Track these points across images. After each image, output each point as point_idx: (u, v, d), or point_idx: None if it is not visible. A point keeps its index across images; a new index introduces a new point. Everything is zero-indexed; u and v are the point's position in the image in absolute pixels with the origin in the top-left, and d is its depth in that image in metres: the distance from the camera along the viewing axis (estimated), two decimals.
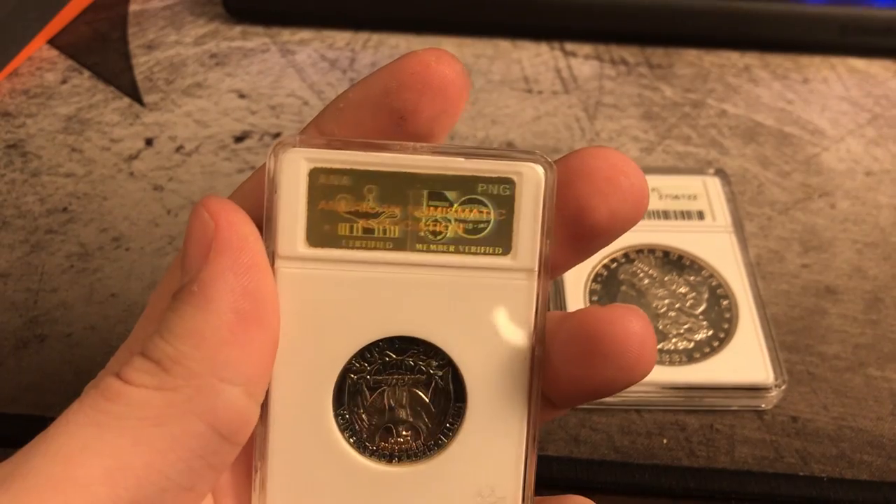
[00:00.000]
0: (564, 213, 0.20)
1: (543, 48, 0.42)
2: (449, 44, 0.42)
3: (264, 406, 0.20)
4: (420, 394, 0.21)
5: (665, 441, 0.29)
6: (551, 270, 0.21)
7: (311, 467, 0.20)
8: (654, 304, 0.31)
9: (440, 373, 0.21)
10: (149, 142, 0.37)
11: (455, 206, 0.20)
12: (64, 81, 0.40)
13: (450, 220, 0.20)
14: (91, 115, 0.38)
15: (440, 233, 0.20)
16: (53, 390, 0.29)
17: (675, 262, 0.32)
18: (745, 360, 0.30)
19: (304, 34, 0.42)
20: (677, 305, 0.31)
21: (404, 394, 0.21)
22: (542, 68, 0.41)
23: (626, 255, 0.32)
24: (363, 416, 0.21)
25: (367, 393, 0.21)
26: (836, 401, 0.30)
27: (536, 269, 0.20)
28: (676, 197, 0.34)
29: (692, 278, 0.32)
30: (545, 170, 0.20)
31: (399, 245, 0.20)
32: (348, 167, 0.20)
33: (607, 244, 0.20)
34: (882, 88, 0.41)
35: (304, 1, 0.42)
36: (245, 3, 0.42)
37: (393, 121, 0.20)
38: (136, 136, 0.38)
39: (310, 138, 0.20)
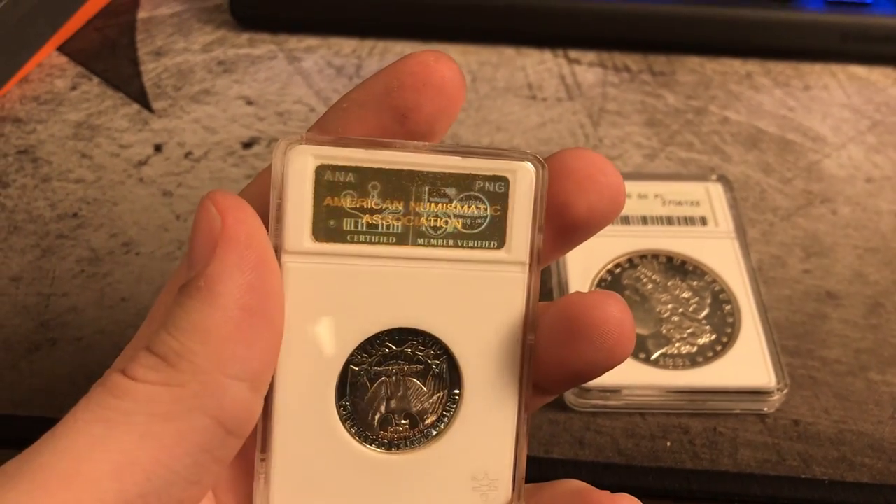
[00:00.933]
0: (548, 209, 0.21)
1: (547, 55, 0.43)
2: (454, 51, 0.42)
3: (268, 398, 0.20)
4: (418, 383, 0.22)
5: (669, 444, 0.29)
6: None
7: (314, 458, 0.21)
8: (657, 309, 0.32)
9: (437, 362, 0.21)
10: (158, 148, 0.38)
11: (454, 202, 0.21)
12: (73, 88, 0.40)
13: (449, 216, 0.21)
14: (100, 121, 0.39)
15: (440, 228, 0.21)
16: (64, 393, 0.30)
17: (678, 267, 0.33)
18: (748, 365, 0.30)
19: (311, 41, 0.43)
20: (680, 310, 0.32)
21: (403, 384, 0.22)
22: (546, 75, 0.42)
23: (629, 261, 0.33)
24: (364, 406, 0.21)
25: (367, 384, 0.21)
26: (838, 404, 0.31)
27: (528, 262, 0.21)
28: (679, 203, 0.35)
29: (695, 283, 0.32)
30: (537, 168, 0.21)
31: (401, 240, 0.21)
32: (353, 164, 0.21)
33: (587, 238, 0.22)
34: (883, 95, 0.41)
35: (310, 9, 0.42)
36: (252, 10, 0.43)
37: (395, 119, 0.21)
38: (145, 143, 0.38)
39: (316, 136, 0.21)
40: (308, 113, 0.39)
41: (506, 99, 0.40)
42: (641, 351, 0.30)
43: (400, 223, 0.21)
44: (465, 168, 0.21)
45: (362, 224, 0.21)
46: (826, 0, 0.42)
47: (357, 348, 0.21)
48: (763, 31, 0.42)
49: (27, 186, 0.36)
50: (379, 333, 0.21)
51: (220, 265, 0.18)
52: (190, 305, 0.18)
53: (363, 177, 0.21)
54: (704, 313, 0.32)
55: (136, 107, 0.40)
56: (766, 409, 0.30)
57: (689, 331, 0.31)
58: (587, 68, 0.42)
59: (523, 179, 0.21)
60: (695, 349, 0.31)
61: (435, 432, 0.22)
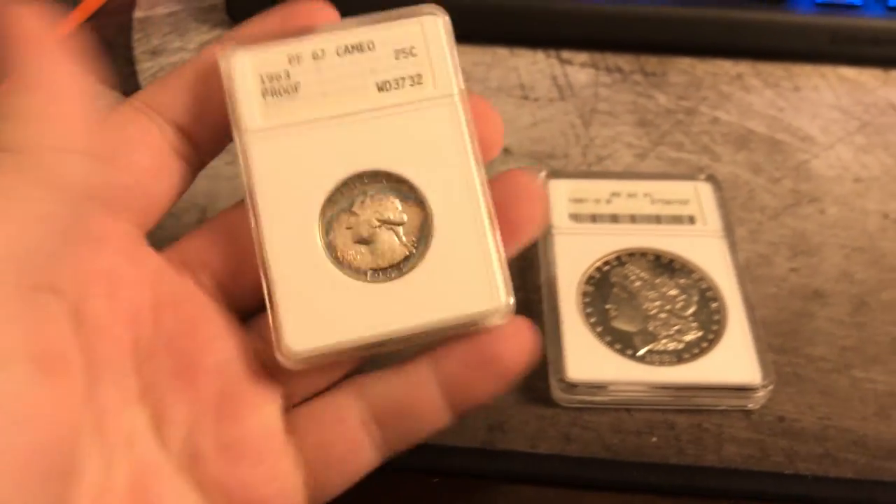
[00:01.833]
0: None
1: (540, 56, 0.43)
2: None
3: (261, 256, 0.24)
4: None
5: (654, 439, 0.30)
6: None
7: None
8: (645, 306, 0.32)
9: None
10: None
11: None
12: None
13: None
14: None
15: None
16: None
17: (666, 265, 0.33)
18: (734, 362, 0.31)
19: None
20: (668, 307, 0.32)
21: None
22: (538, 76, 0.42)
23: (618, 259, 0.33)
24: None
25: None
26: (822, 401, 0.31)
27: (457, 91, 0.25)
28: (668, 202, 0.35)
29: (682, 281, 0.33)
30: (440, 15, 0.25)
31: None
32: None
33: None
34: (871, 97, 0.42)
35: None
36: (248, 10, 0.43)
37: (291, 29, 0.25)
38: None
39: (246, 37, 0.25)
40: None
41: (498, 99, 0.41)
42: (628, 347, 0.31)
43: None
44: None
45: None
46: (816, 2, 0.42)
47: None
48: (754, 33, 0.42)
49: None
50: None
51: (29, 60, 0.21)
52: (9, 98, 0.20)
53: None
54: (691, 311, 0.32)
55: None
56: (751, 405, 0.30)
57: (676, 328, 0.31)
58: (579, 69, 0.43)
59: (431, 24, 0.25)
60: (681, 346, 0.31)
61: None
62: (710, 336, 0.31)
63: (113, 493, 0.22)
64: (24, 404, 0.18)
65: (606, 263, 0.33)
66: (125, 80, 0.41)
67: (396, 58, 0.25)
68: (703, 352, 0.31)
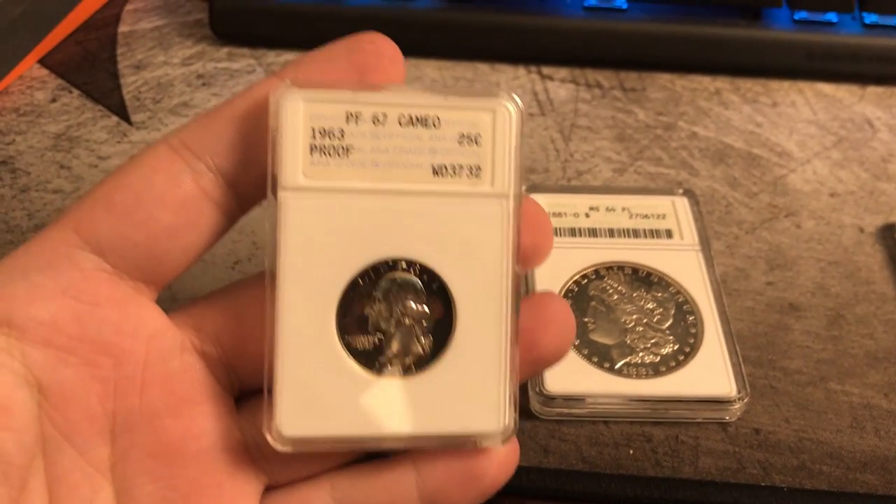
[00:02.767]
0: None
1: (521, 71, 0.44)
2: (429, 66, 0.43)
3: (270, 328, 0.22)
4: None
5: (631, 452, 0.30)
6: None
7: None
8: (622, 319, 0.32)
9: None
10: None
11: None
12: (53, 100, 0.41)
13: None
14: (80, 133, 0.39)
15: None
16: None
17: (643, 278, 0.33)
18: (710, 374, 0.31)
19: (289, 56, 0.44)
20: (645, 321, 0.32)
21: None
22: (519, 91, 0.43)
23: (596, 272, 0.34)
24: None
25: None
26: (798, 414, 0.31)
27: (511, 193, 0.23)
28: (646, 216, 0.36)
29: (660, 294, 0.33)
30: (515, 105, 0.23)
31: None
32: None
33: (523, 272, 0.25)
34: (848, 112, 0.42)
35: (289, 25, 0.43)
36: (232, 26, 0.43)
37: (355, 76, 0.23)
38: (123, 154, 0.39)
39: (306, 80, 0.22)
40: None
41: None
42: (606, 360, 0.31)
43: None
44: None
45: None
46: (793, 19, 0.43)
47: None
48: (732, 49, 0.43)
49: (5, 197, 0.37)
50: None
51: None
52: None
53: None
54: (668, 324, 0.32)
55: (115, 119, 0.40)
56: (727, 417, 0.31)
57: (653, 341, 0.32)
58: (559, 84, 0.43)
59: (503, 116, 0.23)
60: (658, 359, 0.31)
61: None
62: (687, 349, 0.32)
63: None
64: None
65: (585, 277, 0.33)
66: (109, 95, 0.41)
67: (460, 142, 0.23)
68: (679, 365, 0.31)
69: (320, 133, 0.22)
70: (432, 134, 0.23)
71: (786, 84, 0.44)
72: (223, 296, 0.25)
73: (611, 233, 0.35)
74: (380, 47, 0.23)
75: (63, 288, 0.22)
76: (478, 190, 0.23)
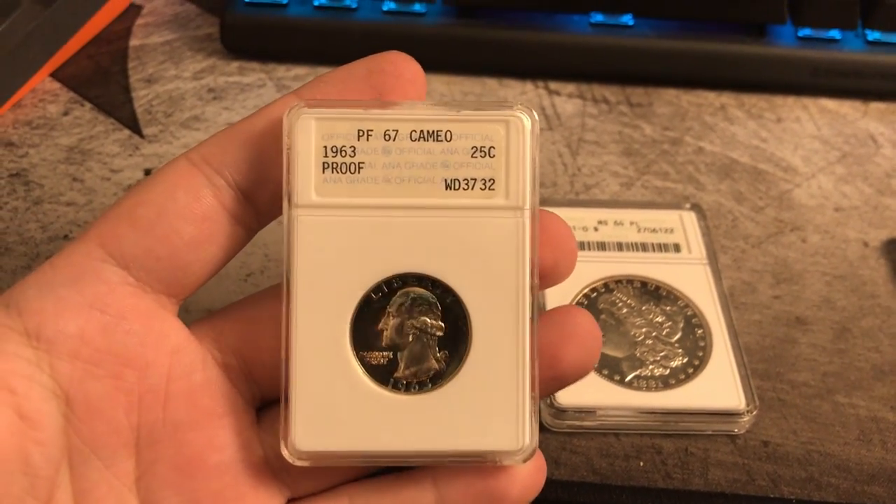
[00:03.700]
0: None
1: (528, 87, 0.44)
2: (438, 81, 0.44)
3: (286, 345, 0.22)
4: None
5: (642, 464, 0.30)
6: None
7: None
8: (632, 333, 0.33)
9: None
10: (148, 172, 0.39)
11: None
12: (66, 113, 0.41)
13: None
14: (92, 146, 0.40)
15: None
16: None
17: (652, 292, 0.34)
18: (719, 387, 0.31)
19: (299, 70, 0.44)
20: (654, 334, 0.33)
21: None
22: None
23: (605, 286, 0.34)
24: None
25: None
26: (806, 426, 0.32)
27: (527, 206, 0.23)
28: (654, 230, 0.36)
29: (668, 308, 0.33)
30: (530, 117, 0.23)
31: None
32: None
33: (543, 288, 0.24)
34: (852, 128, 0.43)
35: (298, 39, 0.43)
36: (242, 40, 0.44)
37: (373, 96, 0.23)
38: (135, 167, 0.39)
39: (318, 101, 0.23)
40: None
41: None
42: (616, 373, 0.31)
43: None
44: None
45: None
46: (797, 35, 0.44)
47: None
48: (737, 65, 0.44)
49: (18, 209, 0.37)
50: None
51: None
52: None
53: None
54: (677, 337, 0.33)
55: (127, 132, 0.41)
56: (736, 430, 0.31)
57: (663, 354, 0.32)
58: (567, 99, 0.44)
59: (516, 127, 0.23)
60: (667, 371, 0.32)
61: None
62: (696, 362, 0.32)
63: None
64: None
65: (594, 290, 0.34)
66: (120, 108, 0.42)
67: (472, 155, 0.23)
68: (688, 377, 0.32)
69: (332, 151, 0.23)
70: (444, 148, 0.23)
71: (790, 100, 0.44)
72: (242, 307, 0.25)
73: (619, 246, 0.35)
74: (399, 68, 0.23)
75: (89, 301, 0.22)
76: (492, 203, 0.23)
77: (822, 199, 0.40)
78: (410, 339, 0.23)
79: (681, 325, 0.33)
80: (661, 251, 0.35)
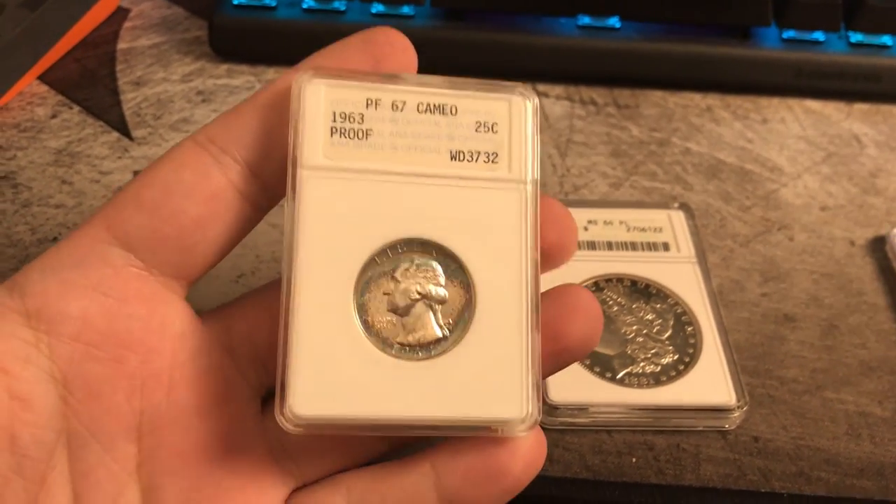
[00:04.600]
0: None
1: None
2: None
3: (288, 305, 0.22)
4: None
5: (634, 460, 0.30)
6: None
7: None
8: (622, 331, 0.33)
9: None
10: (137, 174, 0.39)
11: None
12: (54, 116, 0.41)
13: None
14: (81, 148, 0.40)
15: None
16: None
17: (642, 290, 0.34)
18: (709, 384, 0.32)
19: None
20: (644, 331, 0.33)
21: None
22: None
23: (596, 284, 0.34)
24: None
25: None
26: (795, 422, 0.32)
27: (529, 179, 0.24)
28: (643, 230, 0.36)
29: (658, 306, 0.34)
30: (531, 97, 0.24)
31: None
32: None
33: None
34: (836, 129, 0.43)
35: (287, 42, 0.44)
36: (231, 43, 0.44)
37: (370, 65, 0.24)
38: (124, 169, 0.39)
39: (328, 69, 0.23)
40: None
41: None
42: (607, 370, 0.32)
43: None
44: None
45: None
46: (782, 38, 0.44)
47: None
48: (723, 67, 0.44)
49: (7, 212, 0.37)
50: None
51: None
52: None
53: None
54: (667, 334, 0.33)
55: (115, 135, 0.40)
56: (727, 426, 0.31)
57: (653, 351, 0.32)
58: (555, 101, 0.44)
59: (519, 106, 0.24)
60: (658, 368, 0.32)
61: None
62: (686, 359, 0.32)
63: None
64: None
65: None
66: (109, 111, 0.42)
67: (476, 129, 0.23)
68: (679, 374, 0.32)
69: (341, 116, 0.23)
70: (450, 121, 0.23)
71: (775, 101, 0.45)
72: (256, 294, 0.25)
73: (609, 246, 0.35)
74: (392, 39, 0.24)
75: (94, 284, 0.22)
76: (496, 175, 0.23)
77: (809, 199, 0.40)
78: (415, 304, 0.23)
79: (671, 322, 0.33)
80: (651, 250, 0.35)
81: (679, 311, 0.33)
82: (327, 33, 0.44)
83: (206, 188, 0.23)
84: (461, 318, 0.23)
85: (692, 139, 0.42)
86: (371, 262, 0.23)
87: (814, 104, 0.45)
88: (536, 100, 0.24)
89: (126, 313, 0.22)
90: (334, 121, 0.23)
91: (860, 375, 0.33)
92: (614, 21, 0.44)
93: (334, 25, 0.43)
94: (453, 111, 0.23)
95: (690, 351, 0.32)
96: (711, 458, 0.31)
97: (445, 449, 0.23)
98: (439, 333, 0.23)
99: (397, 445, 0.25)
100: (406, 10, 0.44)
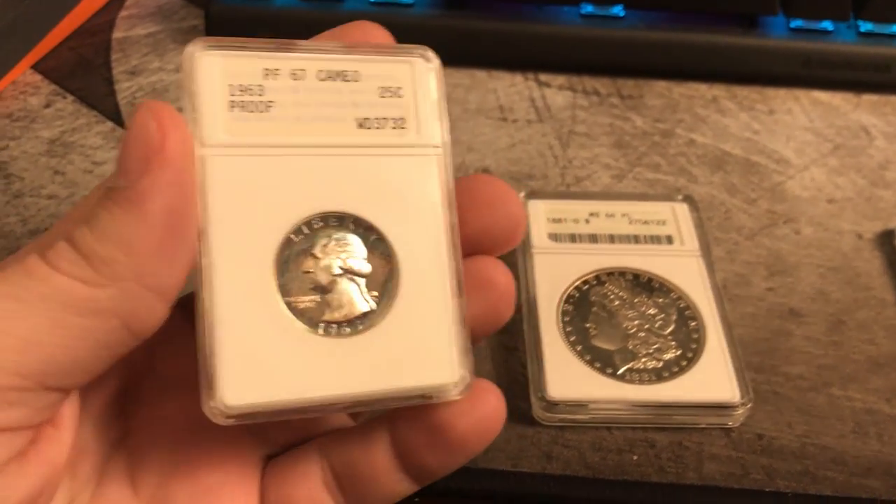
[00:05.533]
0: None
1: (518, 79, 0.43)
2: None
3: (206, 293, 0.21)
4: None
5: (635, 457, 0.30)
6: None
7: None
8: (624, 325, 0.32)
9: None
10: None
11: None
12: (47, 105, 0.41)
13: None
14: (74, 138, 0.39)
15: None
16: None
17: (644, 284, 0.33)
18: (713, 380, 0.31)
19: None
20: (647, 326, 0.32)
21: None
22: (516, 98, 0.42)
23: (597, 278, 0.33)
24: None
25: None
26: (801, 419, 0.31)
27: (439, 143, 0.23)
28: (646, 222, 0.35)
29: (661, 300, 0.33)
30: (432, 60, 0.23)
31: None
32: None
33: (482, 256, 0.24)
34: (844, 120, 0.43)
35: (283, 30, 0.43)
36: (227, 32, 0.43)
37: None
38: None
39: (220, 39, 0.22)
40: None
41: (477, 120, 0.41)
42: (608, 366, 0.31)
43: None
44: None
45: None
46: (790, 27, 0.43)
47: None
48: (729, 57, 0.43)
49: None
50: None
51: (153, 182, 0.19)
52: (118, 214, 0.19)
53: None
54: (670, 329, 0.32)
55: (109, 125, 0.40)
56: (730, 423, 0.31)
57: (655, 346, 0.32)
58: (557, 91, 0.43)
59: (421, 68, 0.23)
60: (660, 364, 0.31)
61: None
62: (689, 354, 0.31)
63: None
64: None
65: (586, 283, 0.33)
66: (103, 100, 0.41)
67: (381, 95, 0.23)
68: (682, 370, 0.31)
69: (239, 90, 0.21)
70: (352, 88, 0.22)
71: (782, 91, 0.44)
72: None
73: (611, 238, 0.35)
74: (368, 35, 0.23)
75: None
76: (404, 141, 0.23)
77: (816, 191, 0.39)
78: (338, 280, 0.22)
79: (674, 317, 0.32)
80: (654, 243, 0.35)
81: (682, 305, 0.33)
82: (325, 22, 0.43)
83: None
84: (385, 290, 0.22)
85: (697, 130, 0.42)
86: (288, 241, 0.21)
87: (822, 95, 0.44)
88: (438, 62, 0.23)
89: None
90: (232, 94, 0.21)
91: (868, 372, 0.33)
92: (618, 10, 0.43)
93: (332, 13, 0.42)
94: (355, 77, 0.23)
95: (693, 346, 0.32)
96: (714, 456, 0.30)
97: (400, 410, 0.23)
98: (365, 307, 0.22)
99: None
100: None
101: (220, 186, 0.21)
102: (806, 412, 0.31)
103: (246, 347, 0.21)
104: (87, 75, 0.42)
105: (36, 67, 0.42)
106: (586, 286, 0.33)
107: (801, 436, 0.31)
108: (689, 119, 0.42)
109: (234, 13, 0.43)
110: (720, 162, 0.40)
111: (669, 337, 0.32)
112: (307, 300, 0.21)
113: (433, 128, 0.23)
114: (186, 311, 0.23)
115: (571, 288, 0.33)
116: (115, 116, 0.40)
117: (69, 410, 0.22)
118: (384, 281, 0.22)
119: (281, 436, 0.24)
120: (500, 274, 0.24)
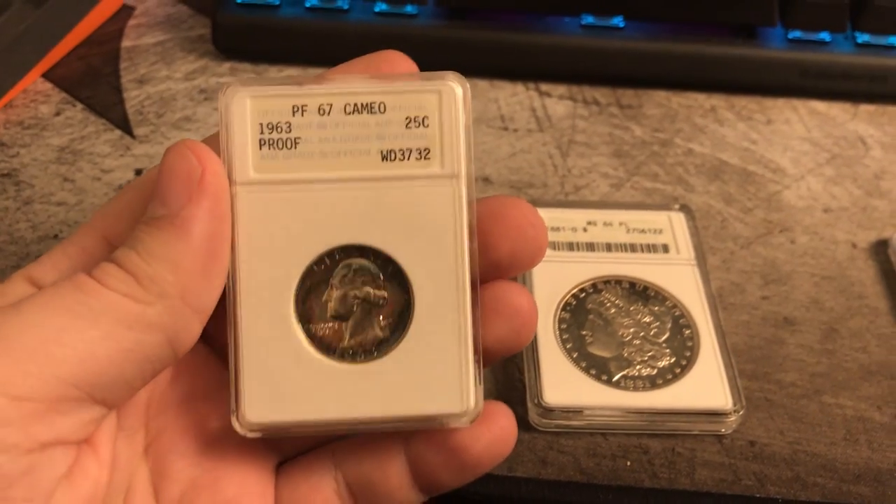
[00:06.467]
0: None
1: (519, 88, 0.44)
2: None
3: (232, 321, 0.23)
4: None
5: (629, 463, 0.30)
6: None
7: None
8: (619, 333, 0.33)
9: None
10: (139, 172, 0.39)
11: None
12: (57, 113, 0.41)
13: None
14: (83, 146, 0.40)
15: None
16: None
17: (640, 292, 0.34)
18: (706, 387, 0.31)
19: (291, 71, 0.44)
20: (642, 334, 0.33)
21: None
22: (517, 107, 0.43)
23: (594, 286, 0.34)
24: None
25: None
26: (792, 426, 0.32)
27: (462, 173, 0.23)
28: (643, 231, 0.36)
29: (656, 308, 0.33)
30: (462, 86, 0.23)
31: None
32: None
33: (506, 278, 0.24)
34: (841, 130, 0.43)
35: (290, 40, 0.44)
36: (234, 41, 0.44)
37: None
38: (126, 167, 0.39)
39: (251, 79, 0.24)
40: None
41: (478, 129, 0.42)
42: (603, 373, 0.31)
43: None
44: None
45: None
46: (787, 38, 0.44)
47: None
48: (727, 67, 0.44)
49: (9, 209, 0.37)
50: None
51: (195, 210, 0.21)
52: (163, 238, 0.21)
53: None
54: (665, 337, 0.33)
55: (118, 133, 0.41)
56: (723, 430, 0.31)
57: (650, 354, 0.32)
58: (557, 101, 0.44)
59: (449, 97, 0.23)
60: (655, 371, 0.32)
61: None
62: (683, 362, 0.32)
63: None
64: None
65: (582, 290, 0.34)
66: (112, 108, 0.42)
67: (407, 126, 0.23)
68: (676, 377, 0.32)
69: (268, 127, 0.23)
70: (378, 120, 0.23)
71: (780, 102, 0.44)
72: None
73: (608, 247, 0.35)
74: (395, 66, 0.24)
75: None
76: (428, 172, 0.23)
77: (811, 201, 0.40)
78: (354, 309, 0.23)
79: (668, 325, 0.33)
80: (650, 252, 0.35)
81: (677, 313, 0.33)
82: (330, 32, 0.44)
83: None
84: (401, 319, 0.23)
85: (695, 140, 0.42)
86: (309, 272, 0.23)
87: (819, 105, 0.44)
88: (467, 85, 0.23)
89: None
90: (262, 132, 0.23)
91: (860, 380, 0.33)
92: (618, 20, 0.44)
93: (337, 24, 0.43)
94: (381, 108, 0.23)
95: (687, 354, 0.32)
96: (707, 463, 0.30)
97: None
98: (380, 335, 0.23)
99: None
100: (409, 9, 0.44)
101: (247, 221, 0.23)
102: (798, 419, 0.32)
103: (266, 371, 0.23)
104: (96, 84, 0.43)
105: (46, 76, 0.43)
106: (583, 294, 0.34)
107: (793, 443, 0.31)
108: (687, 129, 0.43)
109: (240, 23, 0.43)
110: (717, 171, 0.41)
111: (664, 345, 0.32)
112: (326, 327, 0.23)
113: (457, 157, 0.23)
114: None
115: (568, 296, 0.34)
116: (123, 124, 0.41)
117: (106, 429, 0.23)
118: (400, 311, 0.23)
119: (293, 446, 0.25)
120: (524, 301, 0.24)
